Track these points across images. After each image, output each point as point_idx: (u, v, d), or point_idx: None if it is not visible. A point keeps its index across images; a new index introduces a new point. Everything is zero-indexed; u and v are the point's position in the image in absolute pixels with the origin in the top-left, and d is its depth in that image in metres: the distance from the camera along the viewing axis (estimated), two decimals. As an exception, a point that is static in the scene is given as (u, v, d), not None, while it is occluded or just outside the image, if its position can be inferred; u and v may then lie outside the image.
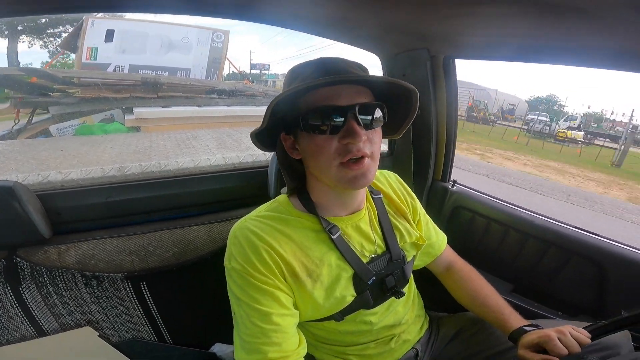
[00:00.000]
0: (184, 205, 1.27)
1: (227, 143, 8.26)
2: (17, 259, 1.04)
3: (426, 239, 0.94)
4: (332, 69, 0.69)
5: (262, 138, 0.76)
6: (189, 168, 5.90)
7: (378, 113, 0.70)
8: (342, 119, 0.66)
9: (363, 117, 0.68)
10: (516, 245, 1.32)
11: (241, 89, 13.27)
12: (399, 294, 0.83)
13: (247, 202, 1.30)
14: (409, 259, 0.88)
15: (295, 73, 0.73)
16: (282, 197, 0.82)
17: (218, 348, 1.25)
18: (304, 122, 0.68)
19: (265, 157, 1.27)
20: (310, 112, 0.67)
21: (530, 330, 0.82)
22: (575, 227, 1.23)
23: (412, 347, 0.94)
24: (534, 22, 0.81)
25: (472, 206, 1.44)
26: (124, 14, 12.18)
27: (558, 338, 0.75)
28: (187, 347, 1.25)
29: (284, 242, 0.73)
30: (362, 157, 0.68)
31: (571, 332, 0.76)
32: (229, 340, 1.14)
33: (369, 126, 0.69)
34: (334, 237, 0.76)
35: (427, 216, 1.02)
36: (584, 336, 0.76)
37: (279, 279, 0.71)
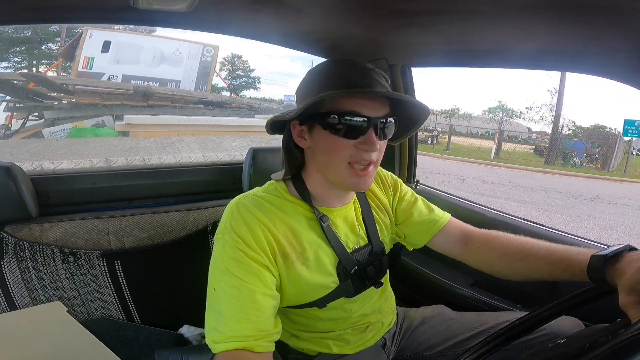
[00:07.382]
0: (164, 194, 1.37)
1: (208, 145, 9.00)
2: (4, 234, 1.10)
3: (417, 217, 0.94)
4: (365, 75, 0.72)
5: (276, 124, 0.79)
6: (171, 163, 6.50)
7: (392, 127, 0.75)
8: (364, 129, 0.69)
9: (381, 129, 0.72)
10: None
11: (227, 101, 13.96)
12: (378, 284, 0.87)
13: (222, 195, 1.41)
14: (387, 251, 0.92)
15: (329, 70, 0.75)
16: (279, 182, 0.83)
17: (186, 329, 1.27)
18: (327, 121, 0.70)
19: (241, 156, 1.41)
20: (336, 113, 0.69)
21: (618, 251, 0.62)
22: (523, 219, 1.27)
23: (382, 337, 0.96)
24: (479, 30, 0.89)
25: (434, 204, 1.62)
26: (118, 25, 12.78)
27: None
28: (155, 327, 1.26)
29: (279, 223, 0.75)
30: (369, 164, 0.73)
31: None
32: (197, 323, 1.23)
33: (382, 137, 0.73)
34: (324, 225, 0.79)
35: (417, 196, 0.99)
36: None
37: (269, 258, 0.72)
